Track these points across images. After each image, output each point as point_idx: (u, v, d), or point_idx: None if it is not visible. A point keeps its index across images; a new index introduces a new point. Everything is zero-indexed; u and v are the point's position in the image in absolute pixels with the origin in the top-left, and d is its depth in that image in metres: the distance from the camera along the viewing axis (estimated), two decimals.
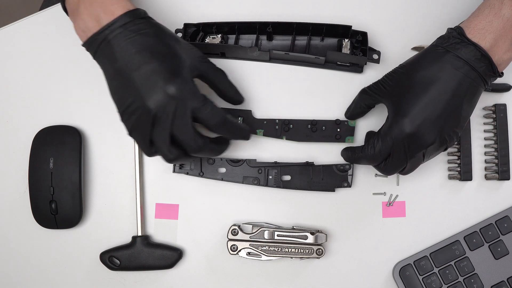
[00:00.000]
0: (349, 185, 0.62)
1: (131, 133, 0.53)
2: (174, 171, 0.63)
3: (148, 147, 0.53)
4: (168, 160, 0.54)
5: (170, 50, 0.53)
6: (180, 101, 0.50)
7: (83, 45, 0.54)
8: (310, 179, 0.62)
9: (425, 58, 0.54)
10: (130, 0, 0.55)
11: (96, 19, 0.52)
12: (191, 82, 0.53)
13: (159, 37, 0.53)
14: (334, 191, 0.62)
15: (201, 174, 0.62)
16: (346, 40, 0.63)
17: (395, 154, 0.54)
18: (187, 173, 0.62)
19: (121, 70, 0.51)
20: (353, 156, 0.59)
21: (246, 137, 0.59)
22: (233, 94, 0.59)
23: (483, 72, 0.53)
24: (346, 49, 0.63)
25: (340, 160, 0.63)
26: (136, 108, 0.51)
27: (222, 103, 0.62)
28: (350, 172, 0.62)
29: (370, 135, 0.62)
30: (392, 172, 0.56)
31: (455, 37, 0.54)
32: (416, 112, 0.52)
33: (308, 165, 0.62)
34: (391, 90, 0.55)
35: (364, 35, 0.62)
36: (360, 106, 0.60)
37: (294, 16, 0.65)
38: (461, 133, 0.55)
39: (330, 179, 0.62)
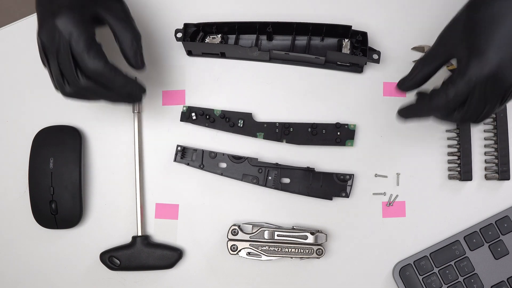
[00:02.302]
0: (347, 196, 0.61)
1: (43, 64, 0.53)
2: (175, 160, 0.62)
3: (51, 79, 0.53)
4: (63, 94, 0.53)
5: None
6: (62, 35, 0.50)
7: None
8: (309, 185, 0.61)
9: None
10: None
11: None
12: (84, 22, 0.51)
13: None
14: (331, 199, 0.61)
15: (201, 167, 0.62)
16: (346, 40, 0.62)
17: (474, 99, 0.48)
18: (188, 164, 0.62)
19: None
20: (417, 108, 0.52)
21: (132, 97, 0.54)
22: (131, 54, 0.53)
23: None
24: (346, 49, 0.62)
25: (339, 165, 0.62)
26: (37, 37, 0.51)
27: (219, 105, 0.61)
28: (349, 182, 0.61)
29: (404, 83, 0.55)
30: (470, 120, 0.50)
31: None
32: (494, 49, 0.47)
33: (309, 171, 0.61)
34: (460, 37, 0.49)
35: (364, 35, 0.61)
36: (423, 73, 0.53)
37: (294, 16, 0.64)
38: None
39: (329, 187, 0.61)
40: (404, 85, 0.54)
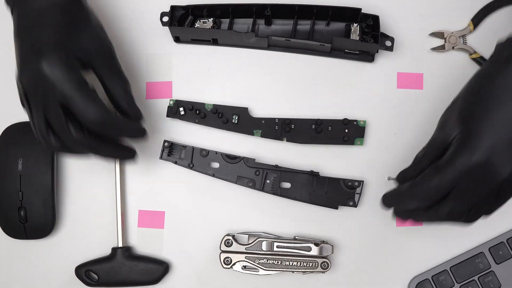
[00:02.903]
0: (355, 205, 0.59)
1: (22, 104, 0.50)
2: (161, 157, 0.60)
3: (33, 128, 0.49)
4: (47, 147, 0.49)
5: (70, 22, 0.49)
6: (48, 82, 0.46)
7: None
8: (312, 191, 0.59)
9: (490, 69, 0.47)
10: None
11: None
12: (73, 65, 0.48)
13: (67, 6, 0.49)
14: (337, 208, 0.59)
15: (191, 166, 0.60)
16: (355, 24, 0.60)
17: (460, 190, 0.45)
18: (175, 162, 0.60)
19: (18, 28, 0.49)
20: (399, 195, 0.50)
21: (137, 135, 0.53)
22: (125, 105, 0.52)
23: None
24: (355, 35, 0.60)
25: (347, 166, 0.60)
26: (17, 78, 0.48)
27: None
28: (358, 190, 0.59)
29: (404, 176, 0.53)
30: (458, 217, 0.47)
31: None
32: (487, 133, 0.44)
33: (313, 175, 0.59)
34: (456, 120, 0.47)
35: (375, 19, 0.59)
36: (422, 166, 0.50)
37: None
38: None
39: (335, 195, 0.59)
40: (404, 179, 0.52)
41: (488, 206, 0.47)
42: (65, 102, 0.46)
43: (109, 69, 0.51)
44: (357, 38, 0.59)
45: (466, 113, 0.46)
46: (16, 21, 0.49)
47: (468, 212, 0.47)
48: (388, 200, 0.52)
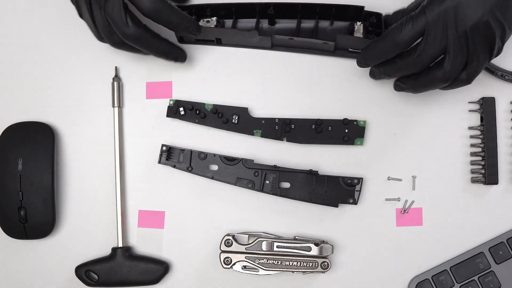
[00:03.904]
0: (355, 202, 0.58)
1: (80, 15, 0.54)
2: (159, 162, 0.60)
3: (93, 29, 0.54)
4: (111, 42, 0.54)
5: None
6: None
7: None
8: (312, 190, 0.59)
9: None
10: None
11: None
12: None
13: None
14: (337, 206, 0.59)
15: (189, 169, 0.60)
16: (359, 23, 0.59)
17: (430, 34, 0.48)
18: (174, 166, 0.60)
19: None
20: (378, 44, 0.52)
21: (192, 29, 0.55)
22: None
23: None
24: (358, 34, 0.59)
25: (347, 167, 0.60)
26: None
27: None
28: (358, 187, 0.58)
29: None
30: (427, 62, 0.50)
31: None
32: None
33: (312, 174, 0.59)
34: None
35: (378, 17, 0.58)
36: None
37: None
38: None
39: (335, 193, 0.59)
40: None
41: (459, 59, 0.48)
42: None
43: None
44: (361, 36, 0.57)
45: None
46: None
47: (434, 55, 0.49)
48: (366, 52, 0.53)
